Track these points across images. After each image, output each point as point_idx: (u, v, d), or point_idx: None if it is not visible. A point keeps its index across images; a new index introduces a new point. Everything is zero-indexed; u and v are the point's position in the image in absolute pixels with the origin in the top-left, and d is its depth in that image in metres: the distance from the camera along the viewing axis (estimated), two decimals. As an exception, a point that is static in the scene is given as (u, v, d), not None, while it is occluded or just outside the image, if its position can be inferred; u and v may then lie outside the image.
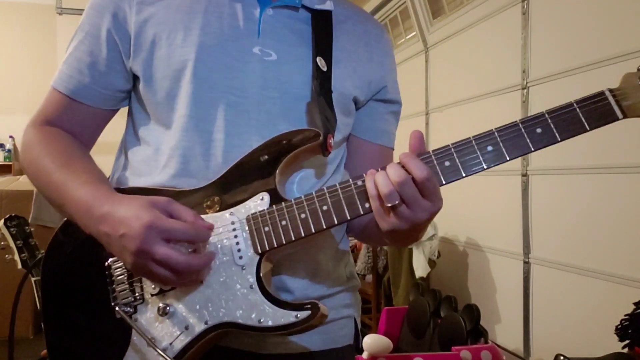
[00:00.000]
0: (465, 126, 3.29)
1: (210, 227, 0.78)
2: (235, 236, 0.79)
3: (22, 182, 4.03)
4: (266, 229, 0.78)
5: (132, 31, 0.87)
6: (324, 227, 0.76)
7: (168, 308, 0.79)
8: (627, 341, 1.73)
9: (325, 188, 0.76)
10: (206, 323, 0.78)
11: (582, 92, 0.74)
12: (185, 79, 0.84)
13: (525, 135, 0.72)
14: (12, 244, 1.76)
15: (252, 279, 0.77)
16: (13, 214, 1.80)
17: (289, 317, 0.75)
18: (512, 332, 2.86)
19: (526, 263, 2.76)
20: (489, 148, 0.72)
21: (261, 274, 0.78)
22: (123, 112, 0.98)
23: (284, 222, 0.77)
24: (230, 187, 0.81)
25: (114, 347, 0.82)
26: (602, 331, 1.99)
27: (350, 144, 0.99)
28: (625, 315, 1.74)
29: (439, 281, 3.54)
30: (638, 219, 2.10)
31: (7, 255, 1.78)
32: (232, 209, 0.80)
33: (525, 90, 2.74)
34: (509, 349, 2.85)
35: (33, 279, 1.71)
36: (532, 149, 0.72)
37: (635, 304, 1.75)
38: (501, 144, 0.72)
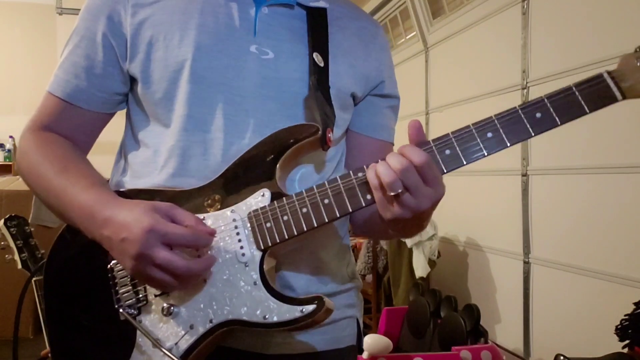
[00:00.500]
0: (465, 126, 3.29)
1: (212, 232, 0.78)
2: (238, 233, 0.79)
3: (22, 182, 3.99)
4: (268, 225, 0.78)
5: (128, 34, 0.87)
6: (326, 220, 0.76)
7: (172, 308, 0.79)
8: (627, 341, 1.73)
9: (326, 182, 0.76)
10: (211, 321, 0.77)
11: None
12: (183, 80, 0.84)
13: (525, 121, 0.71)
14: (12, 244, 1.76)
15: (256, 276, 0.77)
16: (13, 214, 1.80)
17: (294, 312, 0.75)
18: (512, 332, 2.86)
19: (526, 263, 2.76)
20: (489, 135, 0.72)
21: (265, 270, 0.78)
22: (123, 112, 0.98)
23: (285, 217, 0.77)
24: (230, 184, 0.81)
25: (119, 349, 0.81)
26: (602, 331, 1.98)
27: (349, 140, 0.99)
28: (625, 315, 1.74)
29: (439, 281, 3.54)
30: (638, 219, 2.10)
31: (7, 255, 1.77)
32: (233, 207, 0.80)
33: (525, 90, 2.74)
34: (509, 349, 2.85)
35: (33, 279, 1.71)
36: (532, 134, 0.72)
37: (635, 304, 1.75)
38: (501, 130, 0.72)
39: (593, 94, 0.71)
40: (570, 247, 2.46)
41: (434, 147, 0.73)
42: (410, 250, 3.30)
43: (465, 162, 0.73)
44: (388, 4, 4.30)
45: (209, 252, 0.78)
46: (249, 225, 0.79)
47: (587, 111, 0.71)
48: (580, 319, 2.38)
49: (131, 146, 0.93)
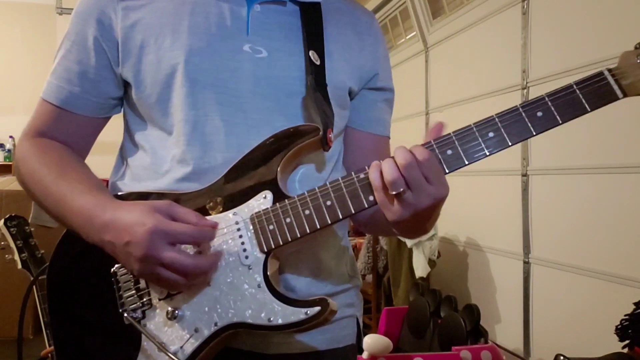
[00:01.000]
0: (465, 126, 3.29)
1: (214, 225, 0.78)
2: (240, 236, 0.79)
3: (22, 182, 4.02)
4: (271, 227, 0.77)
5: (119, 37, 0.86)
6: (329, 222, 0.76)
7: (177, 312, 0.78)
8: (627, 341, 1.73)
9: (327, 183, 0.76)
10: (216, 325, 0.77)
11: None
12: (177, 83, 0.84)
13: (526, 120, 0.71)
14: (12, 244, 1.76)
15: (260, 278, 0.77)
16: (13, 214, 1.80)
17: (298, 314, 0.74)
18: (512, 332, 2.85)
19: (526, 263, 2.76)
20: (491, 134, 0.72)
21: (268, 273, 0.77)
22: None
23: (288, 220, 0.77)
24: (231, 187, 0.81)
25: (124, 353, 0.81)
26: (602, 331, 1.98)
27: (346, 136, 0.99)
28: (625, 315, 1.74)
29: (439, 281, 3.54)
30: (638, 219, 2.10)
31: (7, 255, 1.78)
32: (235, 209, 0.80)
33: (525, 90, 2.74)
34: (509, 349, 2.85)
35: (32, 279, 1.71)
36: (534, 133, 0.71)
37: (635, 304, 1.75)
38: (502, 130, 0.72)
39: (594, 92, 0.71)
40: (570, 247, 2.46)
41: (435, 147, 0.73)
42: (410, 250, 3.30)
43: (467, 162, 0.73)
44: (388, 4, 4.30)
45: (211, 247, 0.78)
46: (251, 227, 0.78)
47: (588, 109, 0.71)
48: (580, 319, 2.38)
49: (130, 150, 0.93)
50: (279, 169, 0.80)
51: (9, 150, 5.61)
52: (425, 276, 3.22)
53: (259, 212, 0.78)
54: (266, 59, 0.86)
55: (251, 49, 0.85)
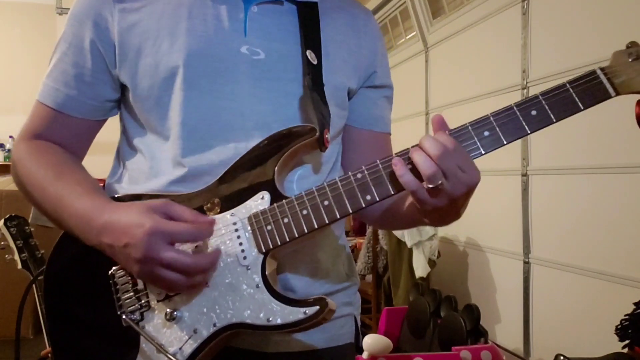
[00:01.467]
0: (465, 126, 3.29)
1: (212, 222, 0.78)
2: (238, 237, 0.79)
3: (22, 182, 4.02)
4: (269, 227, 0.77)
5: (116, 40, 0.85)
6: (327, 222, 0.76)
7: (175, 313, 0.78)
8: (627, 341, 1.73)
9: (325, 183, 0.76)
10: (214, 325, 0.77)
11: (582, 92, 0.74)
12: (176, 86, 0.83)
13: (521, 118, 0.72)
14: (12, 244, 1.77)
15: (258, 279, 0.77)
16: (13, 214, 1.80)
17: (297, 314, 0.75)
18: (512, 332, 2.86)
19: (526, 263, 2.76)
20: (486, 133, 0.73)
21: (267, 273, 0.77)
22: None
23: (286, 220, 0.77)
24: (229, 188, 0.81)
25: (123, 355, 0.81)
26: (602, 331, 1.98)
27: (346, 135, 0.98)
28: (625, 315, 1.74)
29: (439, 281, 3.54)
30: (638, 219, 2.10)
31: (7, 255, 1.78)
32: (232, 210, 0.80)
33: (525, 90, 2.74)
34: (509, 349, 2.85)
35: (31, 279, 1.71)
36: (529, 132, 0.72)
37: (635, 304, 1.75)
38: (497, 129, 0.72)
39: (587, 91, 0.72)
40: (570, 247, 2.46)
41: None
42: (410, 250, 3.30)
43: None
44: (388, 4, 4.30)
45: (209, 247, 0.78)
46: (249, 228, 0.79)
47: (582, 108, 0.72)
48: (580, 319, 2.38)
49: (127, 152, 0.93)
50: (276, 170, 0.80)
51: (9, 150, 5.61)
52: (425, 276, 3.23)
53: (257, 212, 0.78)
54: (263, 61, 0.86)
55: (249, 51, 0.85)
